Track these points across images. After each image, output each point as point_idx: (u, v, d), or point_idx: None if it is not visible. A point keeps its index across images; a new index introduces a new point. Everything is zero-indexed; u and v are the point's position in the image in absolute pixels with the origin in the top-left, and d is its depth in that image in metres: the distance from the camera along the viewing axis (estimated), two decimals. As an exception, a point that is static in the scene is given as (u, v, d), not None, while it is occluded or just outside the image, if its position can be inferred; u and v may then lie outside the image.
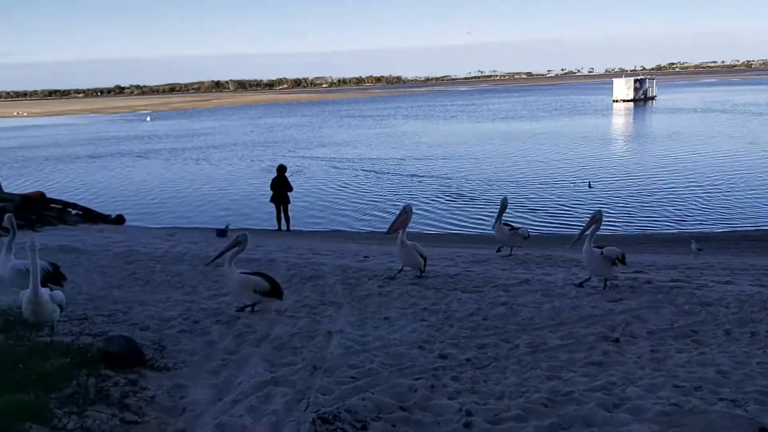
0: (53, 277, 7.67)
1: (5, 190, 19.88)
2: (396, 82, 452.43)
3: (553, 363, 6.04)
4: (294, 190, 17.61)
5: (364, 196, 22.77)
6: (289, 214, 17.38)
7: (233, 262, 7.64)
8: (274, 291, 7.64)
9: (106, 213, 19.57)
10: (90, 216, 18.84)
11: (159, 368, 5.95)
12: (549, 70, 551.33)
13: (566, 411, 4.99)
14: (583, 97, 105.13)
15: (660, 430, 4.62)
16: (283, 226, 17.29)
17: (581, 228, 9.03)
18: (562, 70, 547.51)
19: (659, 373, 5.68)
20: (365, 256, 11.56)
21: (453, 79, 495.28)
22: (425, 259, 9.61)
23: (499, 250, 11.88)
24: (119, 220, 19.12)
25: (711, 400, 5.05)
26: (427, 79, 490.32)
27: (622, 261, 8.74)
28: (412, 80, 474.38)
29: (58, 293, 6.50)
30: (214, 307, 7.72)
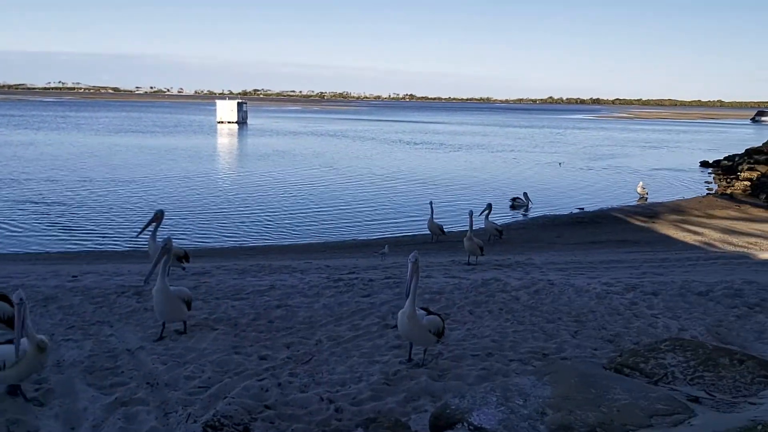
0: None
1: None
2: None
3: (363, 351, 6.82)
4: None
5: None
6: None
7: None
8: None
9: None
10: None
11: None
12: (138, 87, 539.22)
13: (408, 385, 5.87)
14: (187, 116, 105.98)
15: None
16: None
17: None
18: (152, 88, 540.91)
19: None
20: (74, 276, 10.58)
21: (30, 89, 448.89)
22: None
23: None
24: None
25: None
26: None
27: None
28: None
29: None
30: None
